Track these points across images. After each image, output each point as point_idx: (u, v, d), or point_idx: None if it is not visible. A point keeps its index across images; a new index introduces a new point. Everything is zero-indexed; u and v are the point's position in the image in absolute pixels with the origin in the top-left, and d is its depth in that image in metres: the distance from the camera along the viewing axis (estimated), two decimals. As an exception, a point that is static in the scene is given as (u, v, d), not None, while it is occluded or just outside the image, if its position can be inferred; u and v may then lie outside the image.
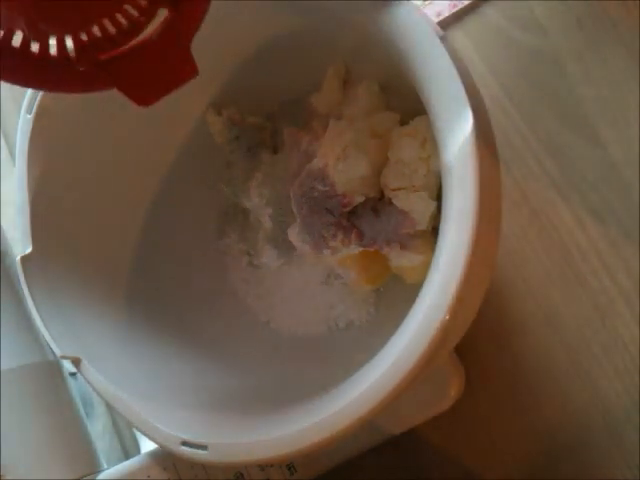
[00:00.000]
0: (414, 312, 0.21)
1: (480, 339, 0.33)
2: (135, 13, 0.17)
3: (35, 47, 0.17)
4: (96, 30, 0.17)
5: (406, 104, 0.30)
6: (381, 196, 0.30)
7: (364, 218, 0.30)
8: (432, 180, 0.29)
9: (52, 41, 0.17)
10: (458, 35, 0.35)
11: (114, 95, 0.21)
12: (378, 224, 0.30)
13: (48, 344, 0.28)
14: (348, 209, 0.30)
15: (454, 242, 0.20)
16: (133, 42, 0.17)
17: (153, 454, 0.34)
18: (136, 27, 0.17)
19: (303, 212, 0.30)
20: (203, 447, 0.24)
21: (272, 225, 0.34)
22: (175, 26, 0.18)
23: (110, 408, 0.39)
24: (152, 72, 0.18)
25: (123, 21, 0.17)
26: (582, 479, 0.31)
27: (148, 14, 0.17)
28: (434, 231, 0.29)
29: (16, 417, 0.33)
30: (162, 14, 0.17)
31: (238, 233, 0.36)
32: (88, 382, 0.28)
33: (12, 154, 0.50)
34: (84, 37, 0.17)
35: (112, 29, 0.17)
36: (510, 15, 0.34)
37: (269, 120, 0.35)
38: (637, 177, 0.31)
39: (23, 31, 0.17)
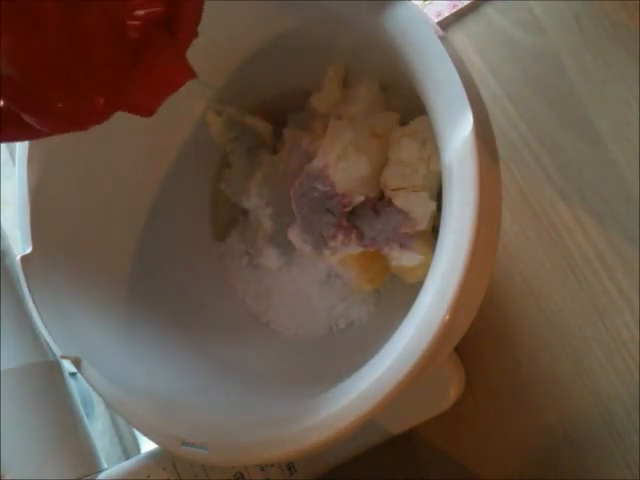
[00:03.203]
0: (414, 312, 0.21)
1: (480, 339, 0.33)
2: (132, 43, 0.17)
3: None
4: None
5: (406, 104, 0.30)
6: (381, 196, 0.30)
7: (364, 218, 0.30)
8: (432, 180, 0.29)
9: None
10: (458, 35, 0.35)
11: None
12: (378, 224, 0.30)
13: (48, 344, 0.28)
14: (348, 209, 0.30)
15: (454, 242, 0.20)
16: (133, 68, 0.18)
17: (153, 454, 0.34)
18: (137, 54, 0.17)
19: (303, 212, 0.30)
20: (203, 447, 0.25)
21: (272, 225, 0.34)
22: (170, 47, 0.18)
23: (110, 408, 0.39)
24: (152, 86, 0.19)
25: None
26: (582, 478, 0.31)
27: (145, 42, 0.17)
28: (434, 231, 0.29)
29: (16, 417, 0.33)
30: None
31: (238, 233, 0.36)
32: (88, 382, 0.28)
33: (12, 154, 0.50)
34: None
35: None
36: (510, 15, 0.34)
37: (269, 120, 0.35)
38: (637, 177, 0.31)
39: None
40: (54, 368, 0.36)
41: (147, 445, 0.41)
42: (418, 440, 0.35)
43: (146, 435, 0.27)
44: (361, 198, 0.30)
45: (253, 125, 0.34)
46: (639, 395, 0.30)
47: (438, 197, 0.29)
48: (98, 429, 0.45)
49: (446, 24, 0.36)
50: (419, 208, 0.28)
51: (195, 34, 0.19)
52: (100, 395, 0.27)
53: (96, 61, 0.17)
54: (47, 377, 0.35)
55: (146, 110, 0.19)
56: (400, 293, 0.31)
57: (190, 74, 0.19)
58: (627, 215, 0.31)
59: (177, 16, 0.18)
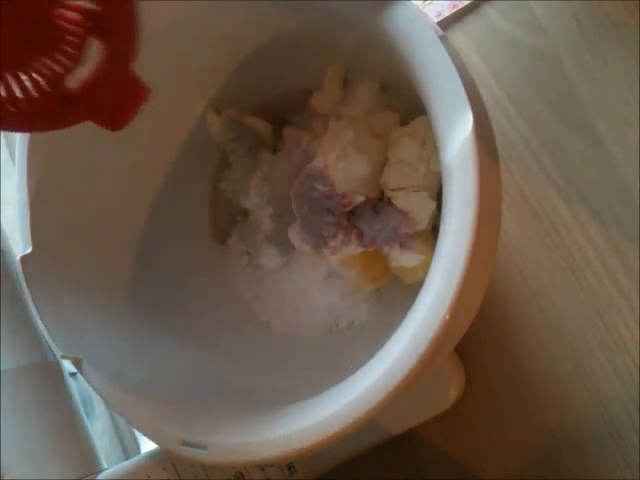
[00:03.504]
0: (414, 312, 0.21)
1: (480, 339, 0.33)
2: (73, 40, 0.17)
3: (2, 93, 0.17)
4: (47, 65, 0.17)
5: (406, 104, 0.30)
6: (381, 196, 0.30)
7: (364, 218, 0.30)
8: (432, 180, 0.29)
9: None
10: (458, 35, 0.35)
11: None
12: (378, 224, 0.30)
13: (48, 344, 0.28)
14: (348, 209, 0.30)
15: (454, 242, 0.20)
16: (84, 79, 0.18)
17: (153, 454, 0.34)
18: (76, 55, 0.17)
19: (303, 212, 0.30)
20: (203, 447, 0.25)
21: (272, 225, 0.34)
22: (111, 57, 0.18)
23: (110, 408, 0.39)
24: (111, 100, 0.19)
25: (68, 49, 0.17)
26: (582, 479, 0.31)
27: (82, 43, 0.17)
28: (434, 231, 0.29)
29: (16, 417, 0.33)
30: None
31: (238, 233, 0.36)
32: (88, 382, 0.28)
33: (12, 154, 0.50)
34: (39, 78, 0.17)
35: (63, 59, 0.17)
36: (510, 15, 0.34)
37: (269, 120, 0.35)
38: (637, 177, 0.31)
39: None
40: (54, 368, 0.36)
41: (147, 445, 0.41)
42: (418, 440, 0.35)
43: (146, 435, 0.27)
44: (361, 198, 0.30)
45: (253, 125, 0.34)
46: (639, 396, 0.30)
47: (438, 197, 0.29)
48: (98, 429, 0.45)
49: (446, 24, 0.36)
50: (419, 208, 0.28)
51: (136, 47, 0.18)
52: (100, 395, 0.27)
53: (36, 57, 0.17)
54: (47, 377, 0.35)
55: (116, 127, 0.19)
56: (400, 293, 0.31)
57: (146, 90, 0.19)
58: (627, 215, 0.31)
59: (111, 22, 0.17)
